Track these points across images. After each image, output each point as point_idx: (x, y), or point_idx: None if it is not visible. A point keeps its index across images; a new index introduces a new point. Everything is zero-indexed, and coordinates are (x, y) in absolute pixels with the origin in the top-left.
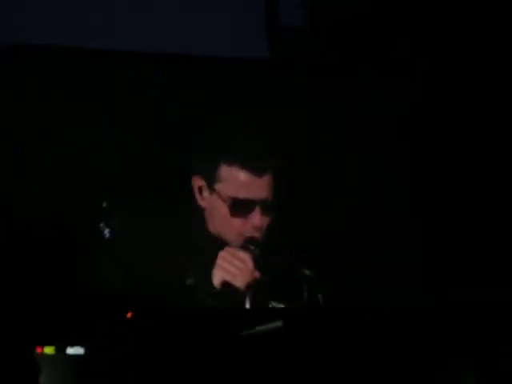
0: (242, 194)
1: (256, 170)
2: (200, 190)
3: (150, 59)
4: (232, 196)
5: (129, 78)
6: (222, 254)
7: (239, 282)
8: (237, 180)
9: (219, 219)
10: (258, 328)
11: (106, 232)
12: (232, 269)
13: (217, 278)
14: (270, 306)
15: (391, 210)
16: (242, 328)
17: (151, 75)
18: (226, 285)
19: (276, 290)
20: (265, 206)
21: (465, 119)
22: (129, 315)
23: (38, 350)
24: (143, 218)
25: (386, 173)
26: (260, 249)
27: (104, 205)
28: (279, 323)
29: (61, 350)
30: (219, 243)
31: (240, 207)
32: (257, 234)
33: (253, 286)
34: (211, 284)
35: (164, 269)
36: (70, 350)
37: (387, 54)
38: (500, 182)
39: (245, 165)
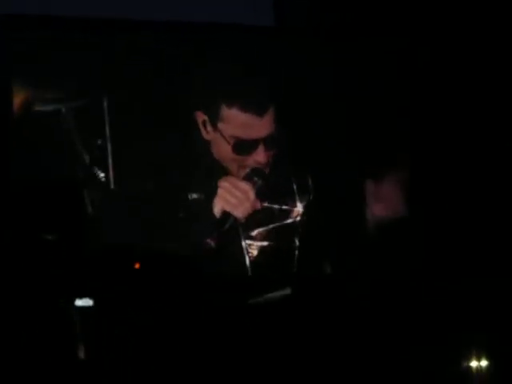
0: (245, 135)
1: (256, 110)
2: (204, 123)
3: (157, 28)
4: (234, 136)
5: (138, 45)
6: (224, 184)
7: (239, 213)
8: (238, 121)
9: (223, 154)
10: (267, 296)
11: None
12: (232, 199)
13: (217, 208)
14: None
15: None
16: (250, 295)
17: (160, 43)
18: (225, 214)
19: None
20: (268, 143)
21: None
22: (136, 266)
23: None
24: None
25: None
26: (263, 180)
27: (99, 142)
28: (287, 291)
29: (70, 301)
30: (223, 169)
31: (243, 147)
32: (261, 166)
33: (252, 216)
34: (211, 212)
35: (169, 187)
36: (79, 302)
37: (389, 19)
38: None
39: (245, 106)
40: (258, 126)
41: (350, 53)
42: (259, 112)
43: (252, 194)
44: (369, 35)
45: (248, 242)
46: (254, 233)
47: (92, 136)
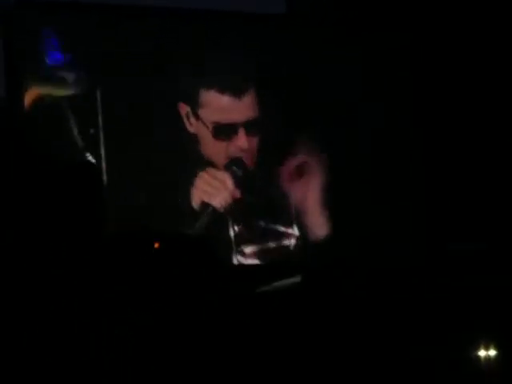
0: (224, 118)
1: (235, 92)
2: (187, 116)
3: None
4: (214, 121)
5: (142, 33)
6: (201, 175)
7: (217, 202)
8: (217, 104)
9: (206, 143)
10: (276, 284)
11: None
12: (209, 189)
13: (195, 199)
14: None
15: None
16: (259, 284)
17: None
18: (203, 205)
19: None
20: (250, 127)
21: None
22: (156, 245)
23: None
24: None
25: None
26: (244, 169)
27: (91, 131)
28: (297, 279)
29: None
30: (209, 164)
31: (223, 131)
32: (243, 155)
33: (233, 206)
34: (190, 204)
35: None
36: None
37: (400, 10)
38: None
39: (223, 88)
40: (237, 109)
41: (359, 43)
42: (237, 93)
43: (230, 183)
44: (380, 26)
45: (240, 258)
46: (247, 250)
47: (86, 124)
